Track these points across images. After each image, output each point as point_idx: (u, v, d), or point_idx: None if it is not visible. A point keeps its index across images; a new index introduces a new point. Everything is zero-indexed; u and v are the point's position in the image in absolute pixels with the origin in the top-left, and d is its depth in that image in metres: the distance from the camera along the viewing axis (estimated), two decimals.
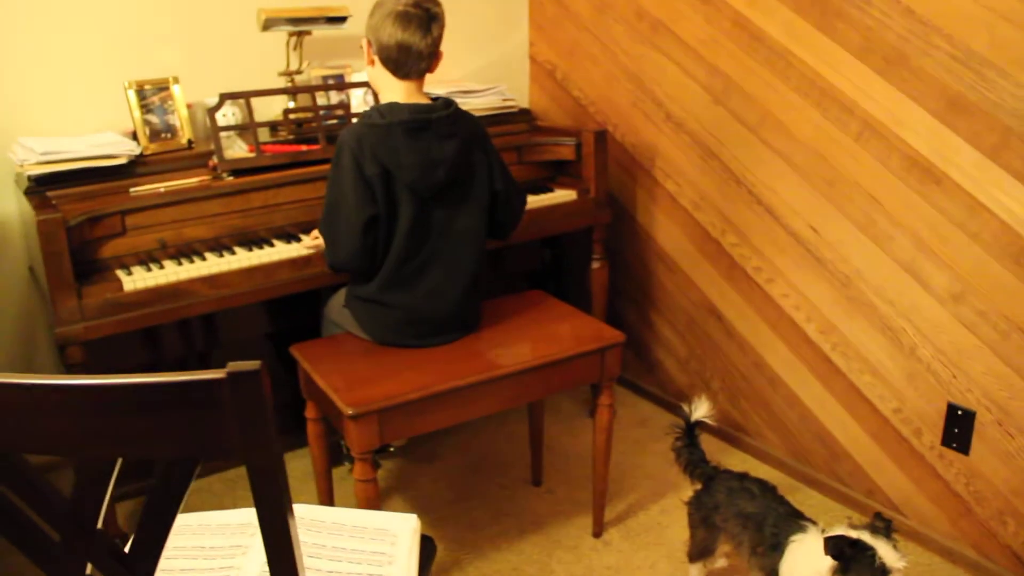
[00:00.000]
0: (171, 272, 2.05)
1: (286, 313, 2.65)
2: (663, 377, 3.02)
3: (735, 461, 2.67)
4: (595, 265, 2.80)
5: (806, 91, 2.30)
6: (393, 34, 1.92)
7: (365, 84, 2.54)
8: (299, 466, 2.64)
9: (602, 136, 2.67)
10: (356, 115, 2.51)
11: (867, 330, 2.29)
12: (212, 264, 2.10)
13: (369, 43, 1.99)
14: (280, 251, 2.20)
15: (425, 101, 1.99)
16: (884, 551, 1.59)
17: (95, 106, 2.46)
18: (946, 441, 2.17)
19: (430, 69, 2.00)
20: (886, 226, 2.19)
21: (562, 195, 2.66)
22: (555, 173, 2.84)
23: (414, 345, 2.07)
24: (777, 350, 2.56)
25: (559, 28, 3.09)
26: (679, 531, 2.35)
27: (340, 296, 2.22)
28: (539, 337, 2.12)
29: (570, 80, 3.10)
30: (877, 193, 2.19)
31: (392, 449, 2.76)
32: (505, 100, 2.84)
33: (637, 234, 2.97)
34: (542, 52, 3.20)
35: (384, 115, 1.91)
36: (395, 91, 1.99)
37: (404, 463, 2.72)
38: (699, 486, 2.03)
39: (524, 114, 2.92)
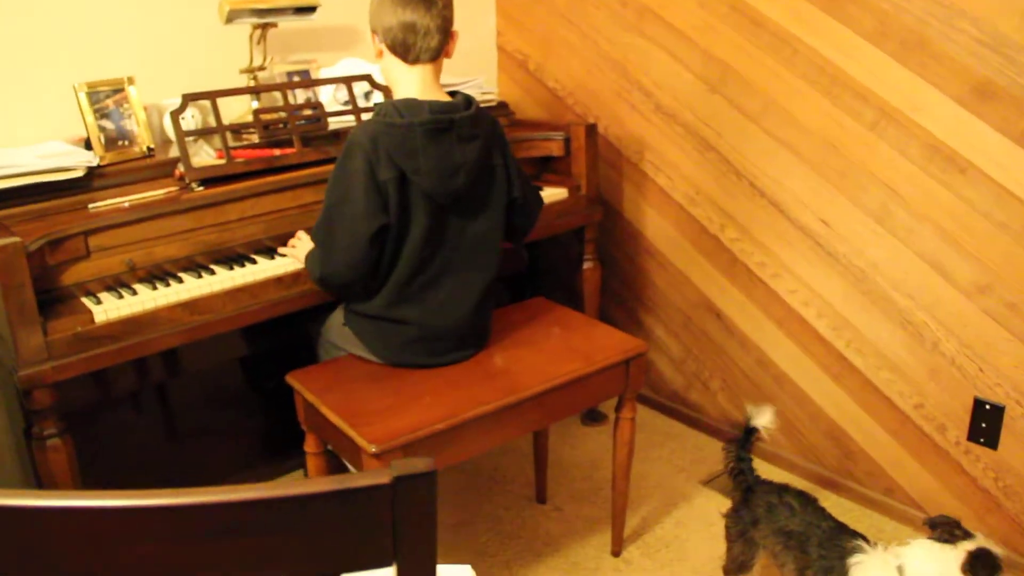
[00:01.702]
0: (147, 298, 1.81)
1: (253, 335, 2.42)
2: (656, 379, 2.90)
3: None
4: (587, 266, 2.65)
5: (814, 78, 2.20)
6: (394, 13, 1.75)
7: (340, 80, 2.32)
8: None
9: (593, 130, 2.52)
10: (331, 114, 2.30)
11: (885, 325, 2.22)
12: (192, 287, 1.87)
13: (375, 33, 1.80)
14: (264, 268, 1.97)
15: (444, 96, 1.81)
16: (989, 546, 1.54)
17: (34, 113, 2.17)
18: (973, 436, 2.11)
19: (445, 51, 1.82)
20: (905, 218, 2.11)
21: (554, 193, 2.49)
22: (539, 170, 2.68)
23: (426, 364, 1.89)
24: (784, 347, 2.47)
25: (530, 16, 2.92)
26: (699, 544, 2.24)
27: (339, 314, 2.01)
28: (559, 351, 1.97)
29: (545, 71, 2.94)
30: (895, 183, 2.11)
31: None
32: (484, 94, 2.65)
33: (625, 231, 2.83)
34: (512, 42, 3.03)
35: (403, 113, 1.71)
36: (410, 82, 1.80)
37: None
38: (736, 496, 1.93)
39: (503, 108, 2.74)
